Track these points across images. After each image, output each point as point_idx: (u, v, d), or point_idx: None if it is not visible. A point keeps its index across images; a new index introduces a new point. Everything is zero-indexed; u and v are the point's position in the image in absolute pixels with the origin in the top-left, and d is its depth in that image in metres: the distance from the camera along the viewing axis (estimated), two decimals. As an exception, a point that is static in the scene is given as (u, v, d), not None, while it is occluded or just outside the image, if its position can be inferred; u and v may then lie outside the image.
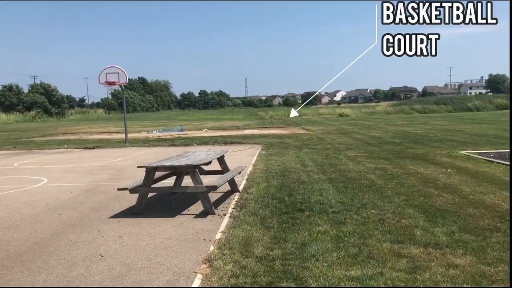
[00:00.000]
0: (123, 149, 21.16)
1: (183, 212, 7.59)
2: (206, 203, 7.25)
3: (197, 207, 7.87)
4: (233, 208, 7.65)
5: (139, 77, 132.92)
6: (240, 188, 9.38)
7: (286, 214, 7.07)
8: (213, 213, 7.25)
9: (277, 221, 6.63)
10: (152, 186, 7.71)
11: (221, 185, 7.39)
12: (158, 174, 8.00)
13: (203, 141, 23.04)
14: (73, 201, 8.90)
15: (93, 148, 22.12)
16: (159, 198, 8.79)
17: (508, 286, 4.19)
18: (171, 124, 47.74)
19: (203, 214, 7.31)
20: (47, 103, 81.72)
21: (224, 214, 7.25)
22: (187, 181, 8.71)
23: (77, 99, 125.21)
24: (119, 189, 7.29)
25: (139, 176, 11.48)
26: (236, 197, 8.60)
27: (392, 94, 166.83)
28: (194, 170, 7.23)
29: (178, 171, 7.83)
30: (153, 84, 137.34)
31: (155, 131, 34.33)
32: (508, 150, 13.60)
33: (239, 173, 8.96)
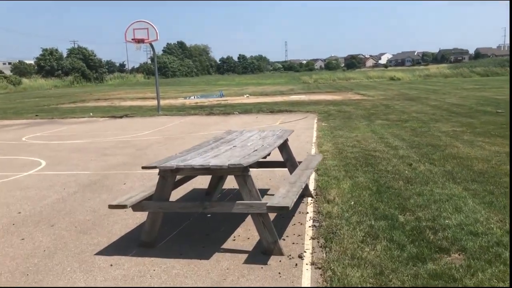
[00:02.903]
0: (154, 118, 18.15)
1: (225, 245, 4.32)
2: (267, 235, 3.94)
3: (249, 230, 4.61)
4: (313, 239, 4.31)
5: (178, 41, 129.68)
6: (311, 187, 6.03)
7: (420, 260, 3.68)
8: (280, 253, 3.96)
9: (415, 285, 3.25)
10: (171, 198, 4.46)
11: (294, 202, 4.01)
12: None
13: (245, 109, 19.67)
14: (59, 207, 5.84)
15: (121, 117, 19.24)
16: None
17: (508, 286, 3.25)
18: (210, 89, 44.57)
19: (260, 254, 4.03)
20: (85, 67, 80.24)
21: (300, 257, 3.93)
22: (232, 182, 5.46)
23: (118, 64, 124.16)
24: (111, 207, 4.11)
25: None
26: (310, 209, 5.25)
27: (442, 57, 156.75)
28: (245, 173, 3.90)
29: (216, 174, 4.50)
30: (192, 49, 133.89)
31: (193, 97, 31.29)
32: None
33: (315, 170, 5.48)
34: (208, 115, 18.59)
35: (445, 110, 15.83)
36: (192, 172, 4.02)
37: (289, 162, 5.74)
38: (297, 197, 4.08)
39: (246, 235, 4.53)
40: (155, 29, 18.67)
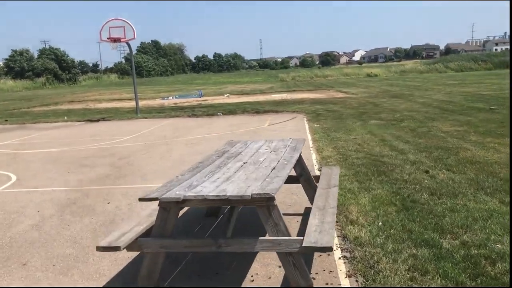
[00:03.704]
0: (133, 121, 17.14)
1: None
2: (299, 278, 3.17)
3: (267, 265, 3.83)
4: (349, 277, 3.56)
5: (152, 40, 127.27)
6: (325, 203, 5.26)
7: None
8: (315, 300, 3.19)
9: None
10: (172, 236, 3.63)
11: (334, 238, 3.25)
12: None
13: (229, 110, 18.83)
14: (33, 237, 4.93)
15: (98, 120, 18.14)
16: (186, 227, 4.77)
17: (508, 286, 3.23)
18: (187, 89, 43.46)
19: (291, 302, 3.25)
20: (57, 68, 77.61)
21: (342, 305, 3.18)
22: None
23: (91, 65, 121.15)
24: (100, 249, 3.26)
25: (154, 173, 7.22)
26: (333, 233, 4.50)
27: (414, 53, 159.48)
28: (271, 203, 3.12)
29: (233, 204, 3.67)
30: (167, 47, 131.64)
31: (171, 98, 30.22)
32: None
33: (336, 187, 4.70)
34: (190, 116, 17.70)
35: (436, 108, 15.37)
36: (204, 203, 3.19)
37: (303, 177, 4.98)
38: (332, 228, 3.31)
39: (265, 272, 3.75)
40: (132, 27, 17.64)
